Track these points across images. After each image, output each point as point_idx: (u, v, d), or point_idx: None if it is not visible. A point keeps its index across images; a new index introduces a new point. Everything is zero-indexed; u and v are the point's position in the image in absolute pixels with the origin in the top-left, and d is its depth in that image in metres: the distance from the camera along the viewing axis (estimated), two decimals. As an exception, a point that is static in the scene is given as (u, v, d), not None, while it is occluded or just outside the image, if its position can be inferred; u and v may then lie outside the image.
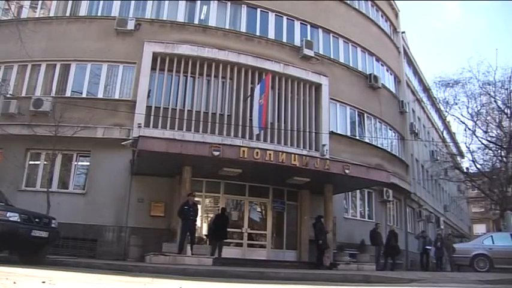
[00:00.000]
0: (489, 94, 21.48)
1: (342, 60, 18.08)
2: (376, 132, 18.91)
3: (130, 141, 12.68)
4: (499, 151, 21.46)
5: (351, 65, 18.37)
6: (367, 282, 8.61)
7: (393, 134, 20.44)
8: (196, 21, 15.66)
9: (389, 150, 19.58)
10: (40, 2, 15.99)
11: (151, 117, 13.85)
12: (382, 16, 22.08)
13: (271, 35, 16.48)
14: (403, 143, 21.49)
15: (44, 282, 3.52)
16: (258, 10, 16.58)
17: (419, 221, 22.86)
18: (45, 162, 13.48)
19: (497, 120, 21.82)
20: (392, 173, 17.07)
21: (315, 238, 13.45)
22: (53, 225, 9.00)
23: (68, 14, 15.47)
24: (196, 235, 12.89)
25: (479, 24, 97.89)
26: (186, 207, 11.41)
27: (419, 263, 17.89)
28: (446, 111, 24.15)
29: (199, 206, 13.59)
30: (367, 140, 18.14)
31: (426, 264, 17.42)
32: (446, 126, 29.75)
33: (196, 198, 13.17)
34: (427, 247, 17.65)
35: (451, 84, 22.35)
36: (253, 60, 15.36)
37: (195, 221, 11.85)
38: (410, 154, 22.57)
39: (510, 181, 20.70)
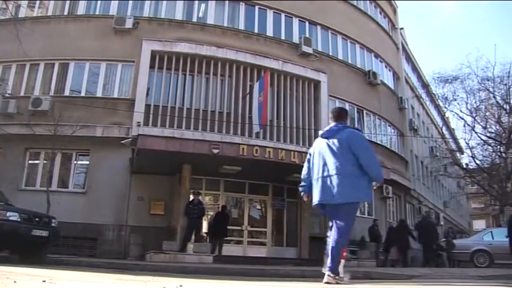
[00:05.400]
0: (488, 90, 21.45)
1: (340, 57, 18.06)
2: (375, 129, 18.92)
3: (130, 139, 12.66)
4: (498, 147, 21.46)
5: (349, 61, 18.36)
6: (368, 279, 8.62)
7: (392, 131, 20.44)
8: (194, 19, 15.65)
9: (388, 146, 19.59)
10: (38, 2, 15.94)
11: (151, 116, 13.84)
12: (380, 13, 22.05)
13: (270, 32, 16.47)
14: (402, 140, 21.50)
15: (44, 281, 3.52)
16: (256, 7, 16.57)
17: (419, 217, 22.85)
18: (44, 162, 13.48)
19: (496, 115, 21.81)
20: (392, 169, 17.08)
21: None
22: (53, 225, 8.99)
23: (65, 13, 15.47)
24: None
25: (478, 20, 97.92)
26: (190, 206, 11.60)
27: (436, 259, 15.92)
28: (445, 107, 24.15)
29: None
30: (366, 137, 18.09)
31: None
32: (446, 122, 29.73)
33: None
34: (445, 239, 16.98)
35: (449, 80, 22.32)
36: (252, 57, 15.34)
37: (200, 218, 11.98)
38: (410, 150, 22.59)
39: (509, 176, 20.71)
